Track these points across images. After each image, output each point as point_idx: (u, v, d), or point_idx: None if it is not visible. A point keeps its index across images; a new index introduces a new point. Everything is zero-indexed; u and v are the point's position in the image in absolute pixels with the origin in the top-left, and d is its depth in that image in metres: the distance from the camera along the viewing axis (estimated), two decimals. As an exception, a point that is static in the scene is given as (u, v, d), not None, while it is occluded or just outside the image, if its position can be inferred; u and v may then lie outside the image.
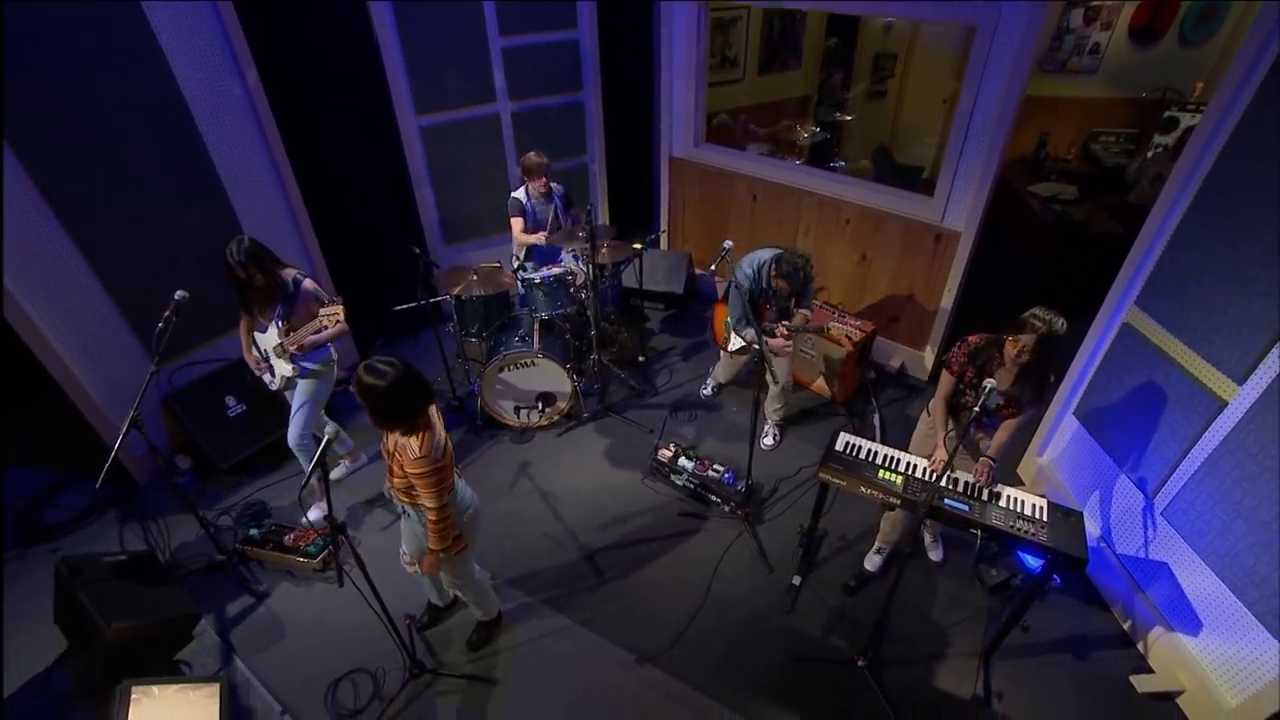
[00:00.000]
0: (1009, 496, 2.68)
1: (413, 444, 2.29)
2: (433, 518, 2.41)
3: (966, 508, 2.62)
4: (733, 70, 6.10)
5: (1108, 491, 3.33)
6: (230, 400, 4.08)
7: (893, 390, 4.71)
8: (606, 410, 4.50)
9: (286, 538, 3.59)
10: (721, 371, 4.53)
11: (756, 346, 3.32)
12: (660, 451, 4.03)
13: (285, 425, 4.23)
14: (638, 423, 4.45)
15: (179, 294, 3.02)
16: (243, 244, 3.09)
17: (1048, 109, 6.52)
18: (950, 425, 2.94)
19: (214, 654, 3.21)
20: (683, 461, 3.94)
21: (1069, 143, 6.67)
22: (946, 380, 2.90)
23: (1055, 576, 3.34)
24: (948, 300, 4.39)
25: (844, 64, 6.76)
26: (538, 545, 3.66)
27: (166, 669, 3.09)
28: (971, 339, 2.80)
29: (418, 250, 3.91)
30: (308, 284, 3.32)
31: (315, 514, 3.87)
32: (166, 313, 2.98)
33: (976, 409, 2.35)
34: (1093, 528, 3.37)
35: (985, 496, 2.68)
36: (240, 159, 4.00)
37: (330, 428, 2.33)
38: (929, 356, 4.68)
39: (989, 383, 2.39)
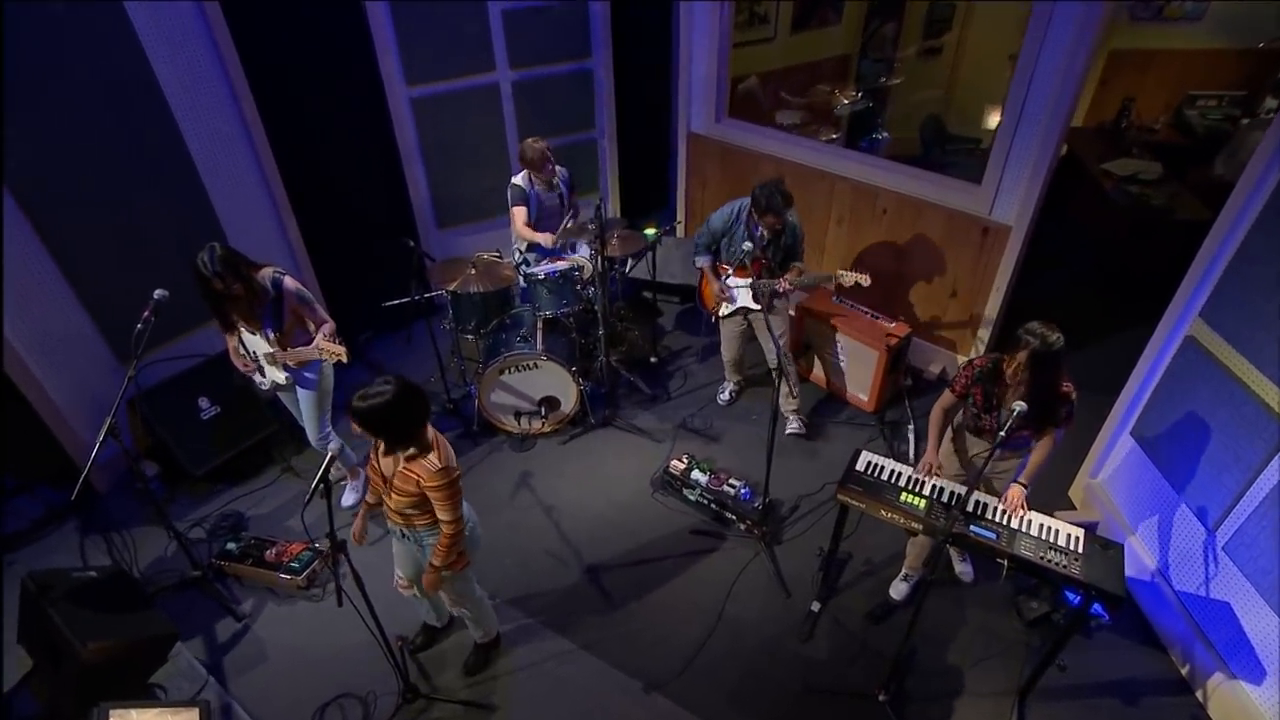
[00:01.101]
0: (1042, 525, 2.90)
1: (430, 459, 2.56)
2: (450, 531, 2.68)
3: (994, 536, 2.85)
4: (762, 28, 6.24)
5: (1166, 520, 3.52)
6: (204, 402, 4.36)
7: (931, 399, 4.89)
8: (614, 417, 4.75)
9: (268, 553, 3.88)
10: (728, 362, 4.77)
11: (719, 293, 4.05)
12: (672, 463, 4.28)
13: (264, 428, 4.55)
14: (648, 432, 4.71)
15: (158, 293, 3.29)
16: (214, 253, 3.24)
17: (1137, 65, 6.49)
18: (971, 447, 3.20)
19: (190, 677, 3.49)
20: (696, 475, 4.19)
21: (1160, 108, 6.66)
22: (947, 397, 3.17)
23: (1102, 613, 3.56)
24: (995, 301, 4.59)
25: (894, 13, 6.82)
26: (539, 562, 3.93)
27: (141, 693, 3.36)
28: (978, 361, 3.04)
29: (412, 243, 4.15)
30: (288, 282, 3.56)
31: (350, 499, 4.26)
32: (145, 313, 3.26)
33: (1002, 433, 2.57)
34: (1148, 560, 3.59)
35: (1015, 524, 2.91)
36: (212, 133, 4.25)
37: (334, 444, 2.60)
38: (974, 361, 4.89)
39: (1018, 405, 2.62)
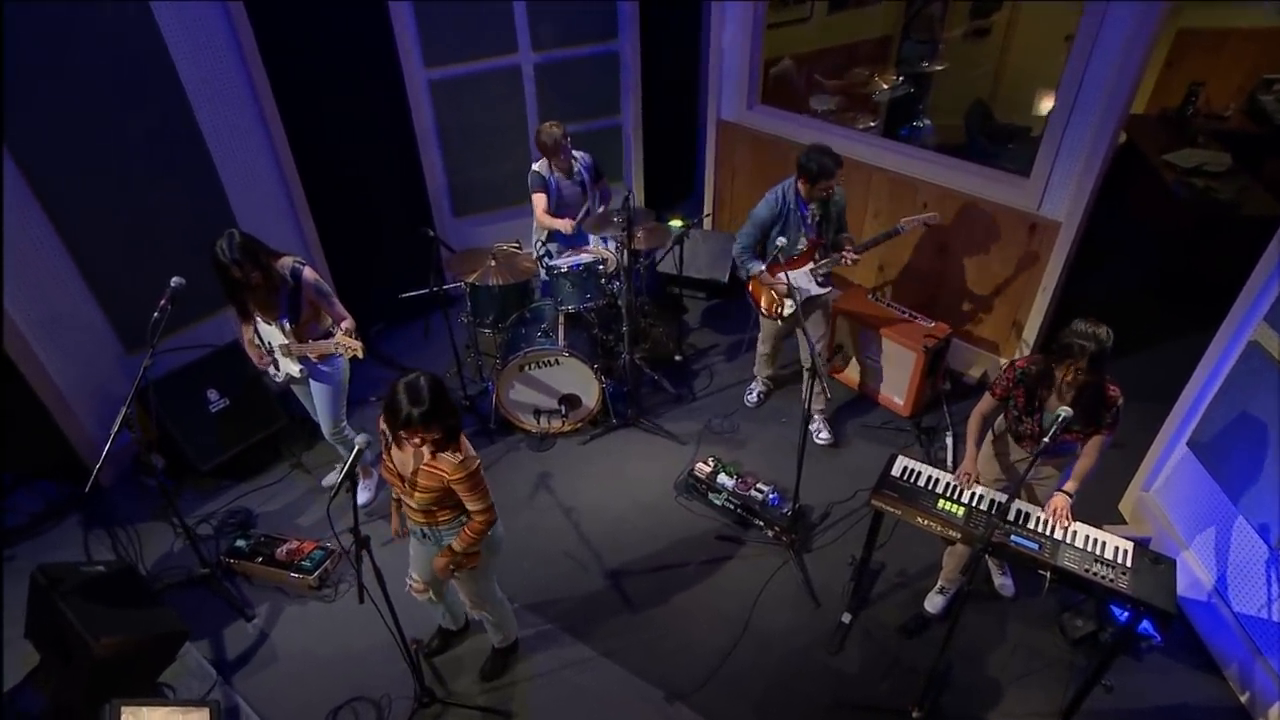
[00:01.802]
0: (1088, 536, 2.97)
1: (449, 453, 2.67)
2: (481, 521, 2.80)
3: (1036, 546, 2.91)
4: (798, 8, 6.31)
5: (1224, 536, 3.55)
6: (212, 394, 4.50)
7: (971, 404, 4.91)
8: (637, 417, 4.85)
9: (279, 551, 4.01)
10: (763, 356, 4.82)
11: (785, 293, 4.09)
12: (697, 465, 4.37)
13: (274, 422, 4.69)
14: (671, 433, 4.81)
15: (175, 280, 3.43)
16: (234, 240, 3.38)
17: (1208, 46, 6.39)
18: (1012, 452, 3.26)
19: (199, 677, 3.64)
20: (722, 478, 4.28)
21: (1231, 94, 6.59)
22: (987, 401, 3.27)
23: (1153, 632, 3.61)
24: (1042, 302, 4.63)
25: (941, -9, 6.84)
26: (558, 566, 4.04)
27: (149, 691, 3.51)
28: (1020, 363, 3.12)
29: (431, 232, 4.28)
30: (308, 274, 3.69)
31: (363, 497, 4.37)
32: (162, 301, 3.39)
33: (1046, 439, 2.64)
34: (1204, 577, 3.62)
35: (1060, 535, 2.98)
36: (226, 113, 4.40)
37: (361, 438, 2.71)
38: (1017, 365, 4.94)
39: (1063, 411, 2.68)
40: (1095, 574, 2.81)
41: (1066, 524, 3.00)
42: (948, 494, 3.17)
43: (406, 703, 3.42)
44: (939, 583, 3.77)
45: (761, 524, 4.16)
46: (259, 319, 3.77)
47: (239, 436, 4.57)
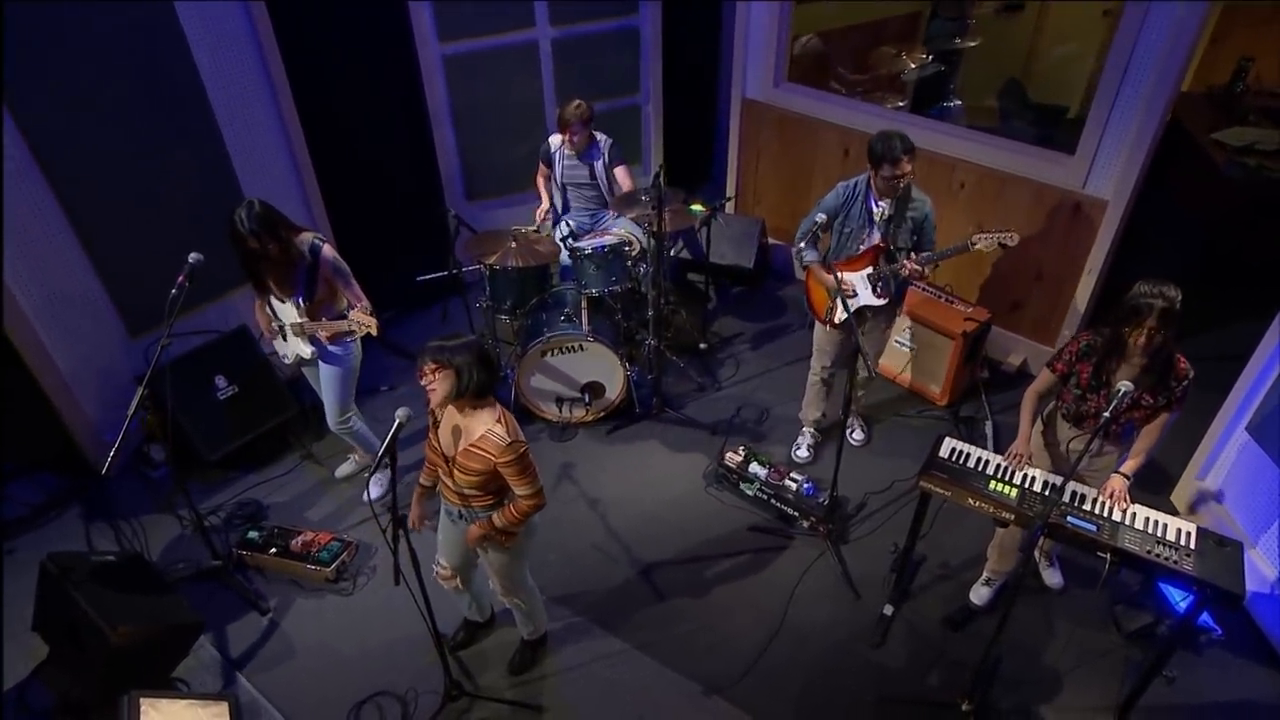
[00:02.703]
0: (1148, 518, 3.01)
1: (498, 433, 2.73)
2: (530, 505, 2.84)
3: (1094, 528, 2.96)
4: (825, -18, 6.38)
5: (1290, 526, 3.59)
6: (220, 381, 4.55)
7: (1011, 393, 5.02)
8: (663, 406, 4.90)
9: (293, 542, 4.06)
10: (813, 390, 4.50)
11: (833, 286, 3.74)
12: (727, 455, 4.42)
13: (284, 410, 4.74)
14: (698, 423, 4.86)
15: (193, 256, 3.48)
16: (253, 209, 3.44)
17: (1256, 22, 6.41)
18: (1062, 439, 3.31)
19: (213, 672, 3.68)
20: (754, 468, 4.33)
21: None
22: (1045, 378, 3.28)
23: (1214, 625, 3.66)
24: (1087, 285, 4.69)
25: (973, -35, 6.89)
26: (586, 559, 4.09)
27: (163, 685, 3.57)
28: (1084, 335, 3.15)
29: (452, 211, 4.34)
30: (327, 251, 3.75)
31: (377, 490, 4.40)
32: (180, 278, 3.44)
33: (1107, 414, 2.69)
34: (1267, 569, 3.66)
35: (1118, 517, 3.03)
36: (238, 89, 4.47)
37: (402, 411, 2.75)
38: (1060, 352, 4.99)
39: (1124, 385, 2.73)
40: (1158, 555, 2.86)
41: (1125, 506, 3.04)
42: (999, 475, 3.22)
43: (432, 698, 3.46)
44: (985, 574, 3.81)
45: (796, 514, 4.21)
46: (273, 296, 3.83)
47: (248, 425, 4.61)
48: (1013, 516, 3.10)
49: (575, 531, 4.22)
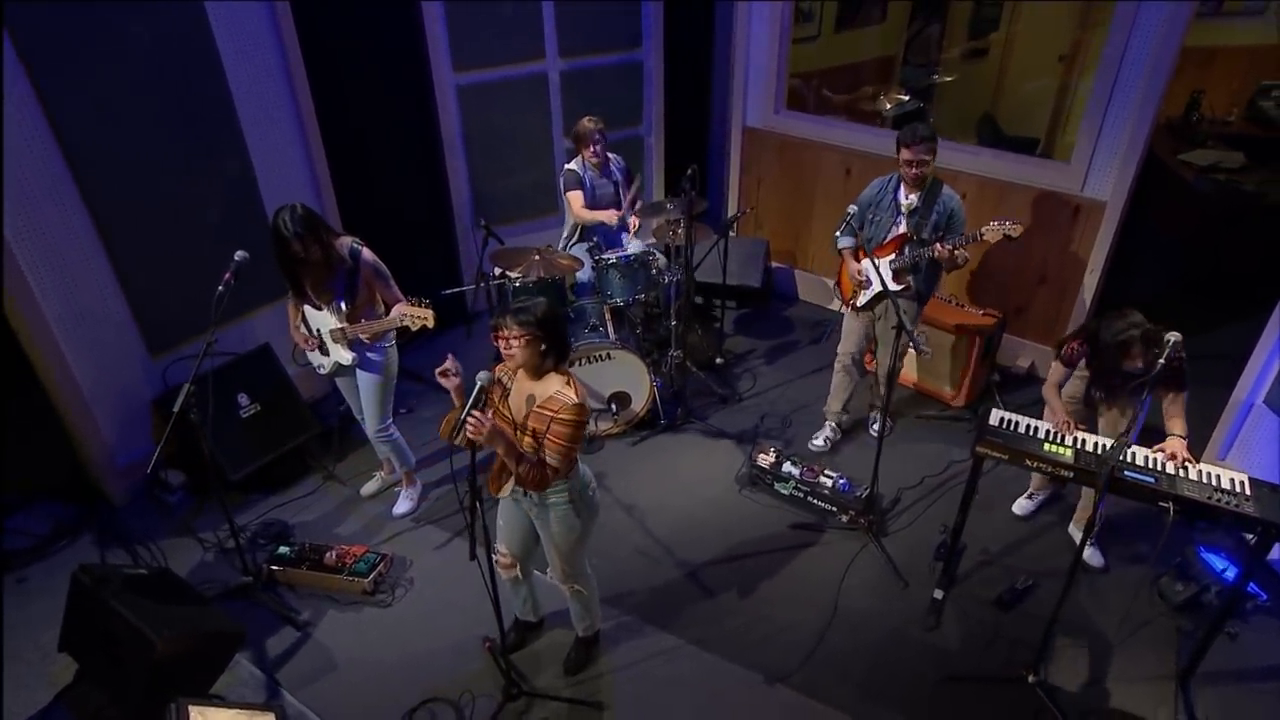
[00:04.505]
0: (1201, 470, 3.11)
1: (568, 393, 2.73)
2: (550, 474, 2.78)
3: (1152, 480, 3.05)
4: (806, 25, 6.70)
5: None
6: (243, 399, 4.46)
7: (1021, 396, 5.15)
8: (688, 415, 4.92)
9: (327, 556, 3.93)
10: (838, 379, 4.63)
11: (862, 276, 4.11)
12: (759, 457, 4.44)
13: (306, 430, 4.65)
14: (724, 432, 4.89)
15: (239, 254, 3.46)
16: (296, 213, 3.43)
17: (1199, 62, 6.90)
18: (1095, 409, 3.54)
19: (252, 687, 3.52)
20: (788, 467, 4.35)
21: (1228, 102, 7.18)
22: (1058, 370, 3.61)
23: (1260, 591, 3.77)
24: (1090, 284, 4.88)
25: (938, 14, 7.33)
26: (629, 562, 4.04)
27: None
28: (1083, 347, 3.46)
29: (483, 221, 4.39)
30: (367, 254, 3.75)
31: (404, 506, 4.31)
32: (226, 275, 3.41)
33: (1162, 361, 2.87)
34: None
35: (1171, 470, 3.12)
36: (267, 114, 4.51)
37: (483, 375, 2.73)
38: (1066, 353, 5.15)
39: (1172, 336, 2.90)
40: (1219, 500, 2.94)
41: (1191, 463, 3.14)
42: (1051, 439, 3.31)
43: (487, 701, 3.37)
44: (1029, 489, 4.25)
45: (835, 510, 4.22)
46: (308, 306, 3.80)
47: (271, 444, 4.51)
48: (1072, 474, 3.18)
49: (614, 537, 4.17)
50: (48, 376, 4.03)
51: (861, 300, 4.34)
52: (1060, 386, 3.68)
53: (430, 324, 3.58)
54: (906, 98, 7.15)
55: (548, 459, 2.78)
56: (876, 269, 3.99)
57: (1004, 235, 3.96)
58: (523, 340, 2.68)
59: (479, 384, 2.67)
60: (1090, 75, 4.78)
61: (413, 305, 3.60)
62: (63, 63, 3.69)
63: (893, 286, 4.15)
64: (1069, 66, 6.74)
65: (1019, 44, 7.44)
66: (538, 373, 2.80)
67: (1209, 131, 6.88)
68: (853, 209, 4.05)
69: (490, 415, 2.70)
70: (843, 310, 4.56)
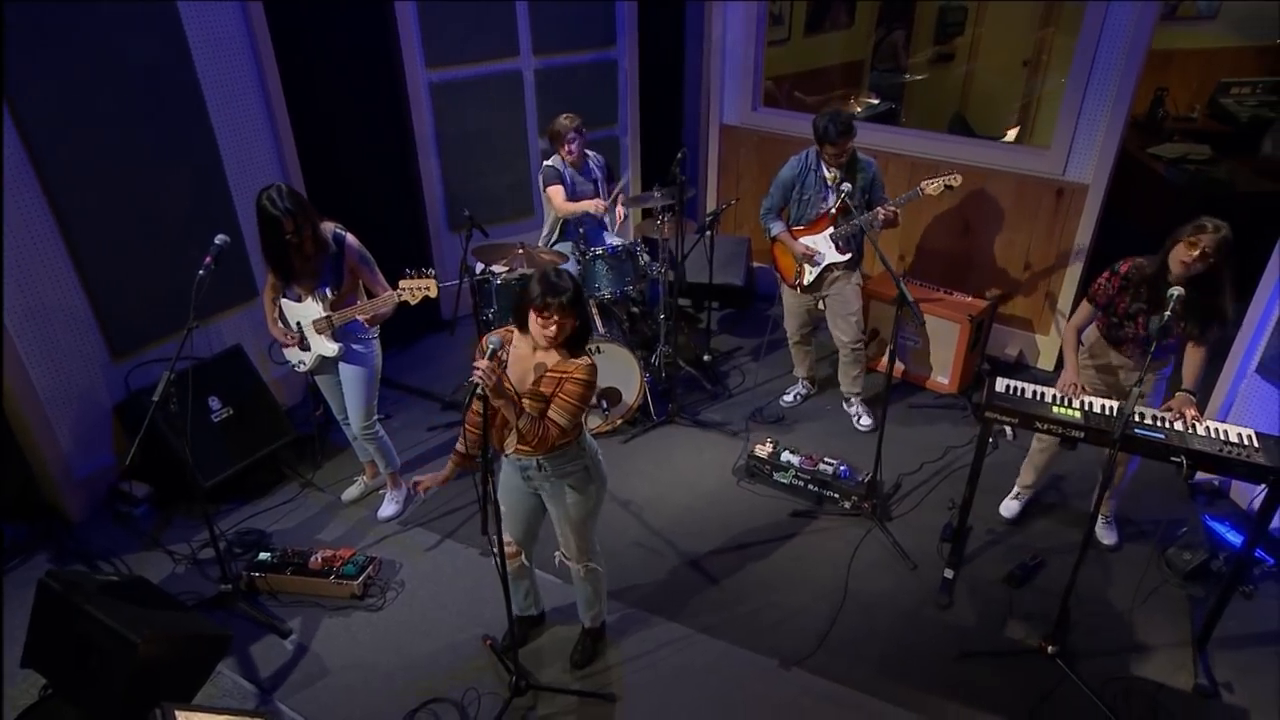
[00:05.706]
0: (1208, 426, 3.18)
1: (582, 359, 2.79)
2: (555, 433, 2.79)
3: (1163, 436, 3.12)
4: (777, 29, 6.87)
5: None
6: (214, 402, 4.34)
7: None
8: (679, 410, 4.91)
9: (312, 560, 3.81)
10: (794, 350, 4.98)
11: (807, 257, 4.39)
12: (756, 448, 4.45)
13: (281, 435, 4.55)
14: (717, 426, 4.90)
15: (220, 237, 3.39)
16: (283, 191, 3.38)
17: (1160, 63, 7.21)
18: (1114, 358, 3.56)
19: (236, 697, 3.37)
20: (787, 456, 4.36)
21: (1191, 99, 7.57)
22: (1085, 310, 3.60)
23: (1267, 557, 3.86)
24: (1076, 267, 5.02)
25: (904, 20, 7.59)
26: (629, 555, 3.99)
27: (183, 712, 3.27)
28: (1124, 266, 3.43)
29: (467, 212, 4.37)
30: (351, 239, 3.72)
31: (390, 509, 4.24)
32: (207, 259, 3.33)
33: (1167, 313, 2.95)
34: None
35: (1180, 427, 3.19)
36: (239, 113, 4.48)
37: (494, 338, 2.71)
38: (1056, 340, 5.26)
39: (1176, 290, 2.97)
40: (1229, 453, 3.02)
41: (1199, 420, 3.20)
42: (1058, 402, 3.37)
43: (492, 699, 3.29)
44: (1015, 489, 4.19)
45: (837, 496, 4.24)
46: (285, 298, 3.74)
47: (245, 450, 4.38)
48: (1083, 434, 3.23)
49: (612, 531, 4.11)
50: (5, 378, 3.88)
51: (808, 279, 4.56)
52: (1081, 330, 3.66)
53: (433, 294, 3.51)
54: (876, 101, 7.38)
55: (556, 418, 2.78)
56: (823, 243, 4.33)
57: (944, 186, 4.33)
58: (569, 318, 2.70)
59: (491, 346, 2.66)
60: (1055, 75, 5.00)
61: (412, 278, 3.54)
62: (23, 51, 3.60)
63: (839, 258, 4.49)
64: (1033, 70, 7.04)
65: (984, 48, 7.74)
66: (564, 345, 2.81)
67: (1174, 127, 7.20)
68: (774, 193, 4.44)
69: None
70: (781, 289, 4.82)
